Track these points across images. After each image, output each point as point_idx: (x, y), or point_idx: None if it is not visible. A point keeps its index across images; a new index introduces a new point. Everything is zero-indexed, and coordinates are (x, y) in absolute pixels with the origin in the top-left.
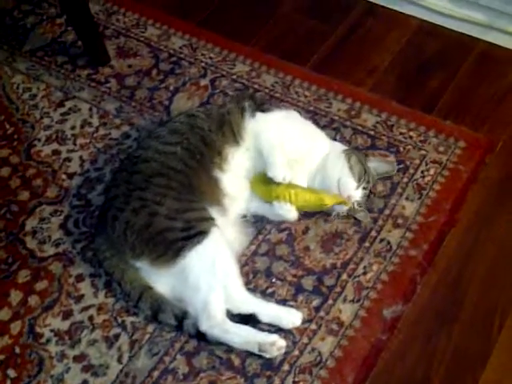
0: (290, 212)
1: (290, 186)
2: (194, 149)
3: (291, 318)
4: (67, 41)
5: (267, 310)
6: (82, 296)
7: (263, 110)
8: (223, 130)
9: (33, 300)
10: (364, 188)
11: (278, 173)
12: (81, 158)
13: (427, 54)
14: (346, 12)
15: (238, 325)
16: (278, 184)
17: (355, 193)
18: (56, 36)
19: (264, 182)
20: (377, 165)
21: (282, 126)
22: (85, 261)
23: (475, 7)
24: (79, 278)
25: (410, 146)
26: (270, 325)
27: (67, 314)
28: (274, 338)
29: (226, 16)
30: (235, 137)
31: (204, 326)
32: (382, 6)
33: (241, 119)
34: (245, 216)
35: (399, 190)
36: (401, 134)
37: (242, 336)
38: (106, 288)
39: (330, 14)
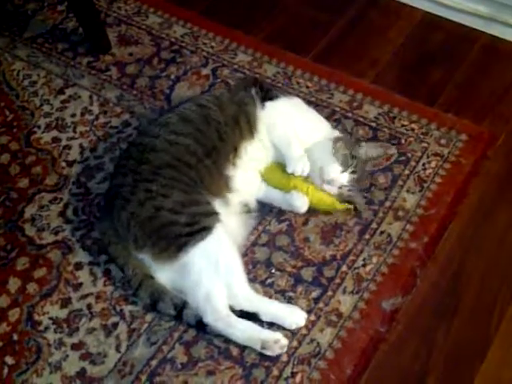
0: (304, 205)
1: (307, 180)
2: (208, 144)
3: (294, 318)
4: (68, 28)
5: (270, 309)
6: (81, 284)
7: (271, 98)
8: (240, 123)
9: (31, 287)
10: (352, 172)
11: (298, 167)
12: (81, 145)
13: (430, 46)
14: (348, 3)
15: (242, 320)
16: (296, 176)
17: (339, 176)
18: (57, 23)
19: (279, 172)
20: (368, 150)
21: (293, 115)
22: (84, 249)
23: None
24: (78, 266)
25: (411, 139)
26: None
27: (66, 302)
28: (278, 336)
29: (228, 5)
30: (251, 129)
31: (208, 319)
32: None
33: (254, 109)
34: (247, 205)
35: (400, 182)
36: (403, 126)
37: (245, 332)
38: (105, 276)
39: (333, 4)
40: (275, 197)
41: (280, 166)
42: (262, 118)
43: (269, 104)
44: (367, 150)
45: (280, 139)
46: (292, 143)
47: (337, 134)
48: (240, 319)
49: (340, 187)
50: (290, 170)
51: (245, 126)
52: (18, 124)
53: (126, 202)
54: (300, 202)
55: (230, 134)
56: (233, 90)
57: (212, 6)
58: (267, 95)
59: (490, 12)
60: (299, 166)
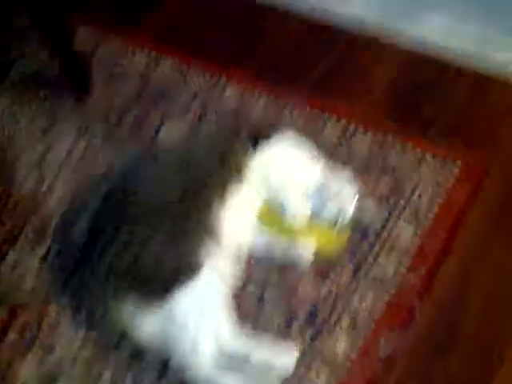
0: (310, 254)
1: (309, 225)
2: (194, 186)
3: (284, 361)
4: (52, 69)
5: (259, 353)
6: (63, 333)
7: (263, 141)
8: (225, 166)
9: (10, 338)
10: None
11: (298, 212)
12: (64, 188)
13: (418, 82)
14: (332, 42)
15: (228, 372)
16: (296, 222)
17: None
18: (40, 67)
19: (276, 216)
20: (367, 206)
21: (288, 157)
22: (65, 296)
23: (467, 35)
24: (59, 314)
25: (405, 170)
26: None
27: (50, 350)
28: None
29: (215, 43)
30: (240, 173)
31: (191, 369)
32: (369, 37)
33: (243, 155)
34: (239, 248)
35: (396, 213)
36: (396, 157)
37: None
38: (87, 325)
39: (317, 44)
40: (278, 248)
41: (276, 209)
42: (253, 162)
43: (261, 148)
44: (366, 206)
45: (275, 184)
46: (290, 188)
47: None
48: (225, 372)
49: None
50: (289, 216)
51: (233, 169)
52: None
53: (106, 248)
54: (306, 254)
55: (216, 176)
56: (221, 132)
57: (199, 43)
58: (259, 137)
59: (478, 48)
60: (300, 211)
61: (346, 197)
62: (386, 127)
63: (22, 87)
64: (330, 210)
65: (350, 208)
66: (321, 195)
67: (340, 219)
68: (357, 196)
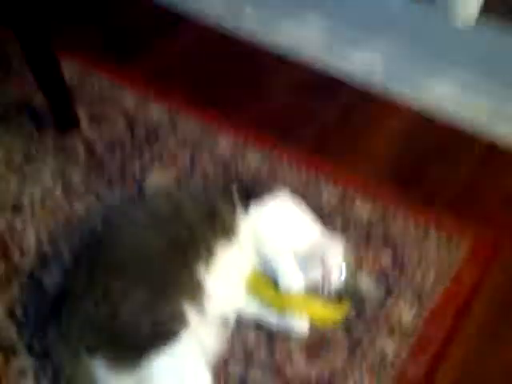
0: (305, 327)
1: (304, 297)
2: (177, 241)
3: None
4: (34, 102)
5: None
6: None
7: (255, 201)
8: (213, 224)
9: None
10: (344, 278)
11: (292, 283)
12: (37, 231)
13: (426, 145)
14: (337, 95)
15: None
16: (289, 293)
17: (336, 272)
18: (22, 95)
19: (268, 286)
20: (364, 280)
21: (282, 221)
22: (30, 353)
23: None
24: (22, 374)
25: (408, 243)
26: None
27: None
28: None
29: (210, 85)
30: (227, 233)
31: None
32: (376, 94)
33: (233, 215)
34: (225, 317)
35: (395, 291)
36: (398, 227)
37: None
38: None
39: (318, 96)
40: (270, 320)
41: (268, 277)
42: (244, 225)
43: (253, 210)
44: (364, 281)
45: (268, 251)
46: (284, 256)
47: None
48: None
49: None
50: (282, 286)
51: (220, 229)
52: None
53: (79, 301)
54: (301, 327)
55: (203, 235)
56: (210, 187)
57: (194, 86)
58: (251, 197)
59: (490, 118)
60: (294, 281)
61: (334, 267)
62: (387, 195)
63: (1, 115)
64: (314, 278)
65: (336, 279)
66: (308, 262)
67: (323, 290)
68: (345, 268)
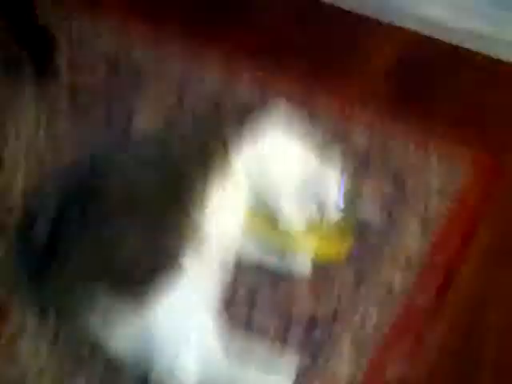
0: (307, 266)
1: (304, 234)
2: (168, 185)
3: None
4: (11, 51)
5: (249, 377)
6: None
7: (248, 135)
8: (206, 164)
9: None
10: (343, 214)
11: (292, 220)
12: (22, 186)
13: (422, 66)
14: (327, 23)
15: None
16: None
17: (332, 206)
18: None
19: (268, 224)
20: (365, 209)
21: (276, 155)
22: (26, 311)
23: (474, 16)
24: (17, 333)
25: (409, 169)
26: None
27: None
28: None
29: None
30: (220, 171)
31: None
32: (370, 17)
33: (225, 154)
34: (223, 258)
35: (399, 224)
36: (398, 154)
37: None
38: (51, 346)
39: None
40: (270, 260)
41: (266, 216)
42: (238, 163)
43: (246, 145)
44: (365, 209)
45: (264, 187)
46: (281, 192)
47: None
48: None
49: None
50: (282, 223)
51: (212, 168)
52: None
53: (69, 254)
54: (303, 266)
55: (195, 175)
56: (199, 125)
57: (175, 17)
58: (243, 133)
59: (488, 30)
60: (294, 218)
61: (331, 196)
62: (386, 120)
63: None
64: (312, 212)
65: (334, 209)
66: (304, 194)
67: (321, 219)
68: (343, 196)
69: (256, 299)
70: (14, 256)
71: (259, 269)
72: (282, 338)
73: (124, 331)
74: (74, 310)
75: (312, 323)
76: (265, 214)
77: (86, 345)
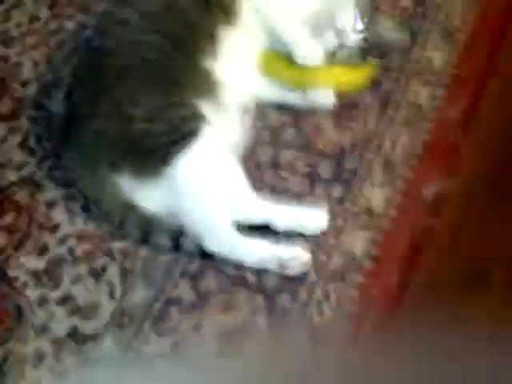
0: (330, 99)
1: (324, 67)
2: (174, 35)
3: (316, 221)
4: None
5: (284, 216)
6: (58, 225)
7: None
8: (211, 8)
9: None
10: (362, 37)
11: (310, 56)
12: (33, 60)
13: None
14: None
15: (250, 239)
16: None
17: (349, 32)
18: None
19: (283, 64)
20: (383, 27)
21: None
22: (55, 183)
23: None
24: (51, 205)
25: None
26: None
27: (42, 250)
28: (297, 251)
29: None
30: (228, 16)
31: (209, 245)
32: None
33: None
34: (243, 105)
35: (421, 38)
36: None
37: (257, 252)
38: (85, 212)
39: None
40: (292, 99)
41: (281, 56)
42: (247, 3)
43: None
44: (383, 28)
45: (279, 27)
46: (296, 28)
47: None
48: (247, 238)
49: (339, 46)
50: (300, 60)
51: (219, 12)
52: None
53: (88, 118)
54: (327, 99)
55: (201, 21)
56: None
57: None
58: None
59: None
60: (310, 54)
61: (347, 18)
62: None
63: None
64: (330, 40)
65: (353, 33)
66: (319, 23)
67: (339, 54)
68: (360, 16)
69: (281, 139)
70: (36, 131)
71: (281, 108)
72: (311, 174)
73: (151, 193)
74: (101, 173)
75: (341, 153)
76: (280, 53)
77: (116, 212)
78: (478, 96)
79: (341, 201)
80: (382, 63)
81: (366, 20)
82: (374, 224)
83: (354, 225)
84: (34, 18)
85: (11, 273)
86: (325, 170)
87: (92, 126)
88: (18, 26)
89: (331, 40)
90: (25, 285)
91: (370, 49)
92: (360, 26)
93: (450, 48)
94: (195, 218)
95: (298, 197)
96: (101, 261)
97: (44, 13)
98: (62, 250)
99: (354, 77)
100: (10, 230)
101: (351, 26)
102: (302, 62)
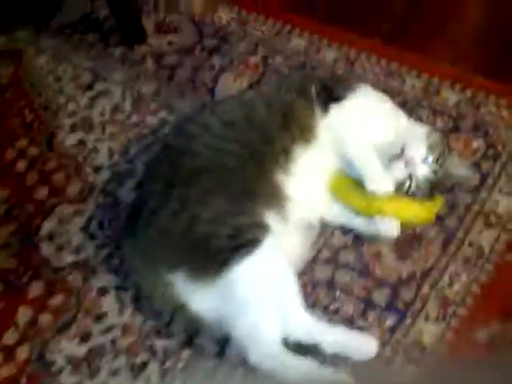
0: (396, 231)
1: (392, 197)
2: (252, 147)
3: (364, 347)
4: (100, 16)
5: (334, 339)
6: (105, 314)
7: (336, 99)
8: (289, 126)
9: (44, 319)
10: (432, 170)
11: (380, 186)
12: (110, 148)
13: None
14: None
15: (297, 357)
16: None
17: (419, 163)
18: (88, 11)
19: (353, 188)
20: (454, 164)
21: (366, 118)
22: (109, 271)
23: None
24: (102, 292)
25: (501, 128)
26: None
27: (85, 337)
28: (343, 377)
29: None
30: (305, 135)
31: (253, 356)
32: None
33: (311, 115)
34: (308, 221)
35: (490, 181)
36: (490, 113)
37: (302, 371)
38: (134, 304)
39: None
40: (356, 224)
41: (351, 179)
42: (324, 125)
43: (334, 108)
44: (454, 164)
45: (353, 152)
46: (369, 158)
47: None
48: (294, 355)
49: (409, 177)
50: (370, 189)
51: (296, 130)
52: (38, 126)
53: (155, 213)
54: (391, 229)
55: (279, 136)
56: (284, 86)
57: None
58: (331, 95)
59: None
60: (382, 185)
61: (417, 157)
62: (475, 81)
63: (67, 32)
64: (400, 175)
65: (424, 173)
66: (393, 150)
67: (409, 185)
68: (432, 157)
69: (340, 259)
70: (101, 217)
71: (344, 229)
72: (366, 299)
73: (204, 296)
74: (156, 274)
75: (398, 283)
76: (351, 176)
77: (166, 309)
78: None
79: (393, 330)
80: (448, 200)
81: (436, 154)
82: (424, 359)
83: (404, 357)
84: (118, 109)
85: (49, 356)
86: (380, 296)
87: (158, 222)
88: (102, 114)
89: (401, 171)
90: (61, 370)
91: (439, 184)
92: (430, 159)
93: None
94: (243, 327)
95: (350, 320)
96: (142, 356)
97: (128, 105)
98: (104, 340)
99: (421, 211)
100: (56, 311)
101: (421, 159)
102: (372, 191)
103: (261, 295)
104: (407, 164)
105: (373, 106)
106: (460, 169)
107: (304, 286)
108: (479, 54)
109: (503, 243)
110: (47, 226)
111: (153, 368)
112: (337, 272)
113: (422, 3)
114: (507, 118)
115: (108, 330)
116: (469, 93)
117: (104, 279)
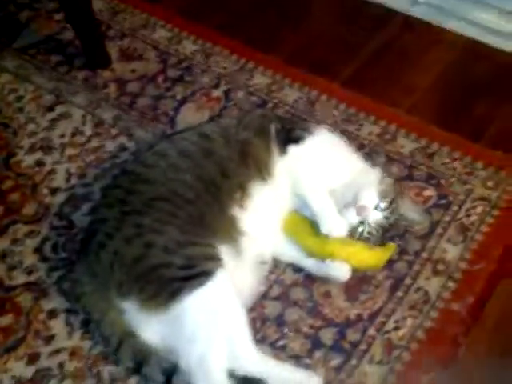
0: (347, 275)
1: (345, 241)
2: (208, 179)
3: None
4: (64, 39)
5: (279, 375)
6: (53, 336)
7: (295, 140)
8: (247, 162)
9: None
10: (384, 216)
11: (334, 230)
12: (67, 171)
13: (474, 75)
14: (382, 24)
15: None
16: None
17: (371, 208)
18: (52, 33)
19: (307, 229)
20: (408, 208)
21: (322, 162)
22: (60, 293)
23: None
24: (52, 315)
25: (453, 179)
26: None
27: (33, 358)
28: None
29: (246, 20)
30: (262, 173)
31: None
32: (422, 20)
33: (268, 154)
34: (260, 256)
35: (440, 230)
36: (443, 164)
37: None
38: (83, 328)
39: (365, 24)
40: (308, 264)
41: (307, 220)
42: (282, 166)
43: (291, 149)
44: (407, 208)
45: (309, 195)
46: (324, 200)
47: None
48: None
49: (361, 223)
50: (324, 231)
51: (253, 167)
52: None
53: (108, 238)
54: (342, 273)
55: (235, 172)
56: (243, 123)
57: (228, 20)
58: (290, 136)
59: None
60: (336, 227)
61: (369, 202)
62: (431, 131)
63: (30, 53)
64: (352, 219)
65: (376, 219)
66: (347, 194)
67: (362, 231)
68: (389, 205)
69: (290, 297)
70: (55, 240)
71: (296, 267)
72: (313, 337)
73: (153, 325)
74: (106, 300)
75: (346, 323)
76: (305, 219)
77: (115, 336)
78: (486, 295)
79: (337, 370)
80: (399, 245)
81: (388, 200)
82: None
83: None
84: (78, 132)
85: None
86: (327, 336)
87: (111, 247)
88: (62, 136)
89: (354, 217)
90: None
91: (390, 229)
92: (382, 205)
93: (464, 247)
94: (191, 356)
95: (296, 357)
96: (88, 382)
97: (89, 129)
98: (52, 363)
99: (372, 258)
100: (5, 331)
101: (373, 205)
102: (326, 233)
103: (209, 327)
104: (360, 210)
105: (330, 150)
106: (413, 212)
107: (253, 321)
108: (436, 103)
109: (449, 291)
110: (0, 245)
111: None
112: (286, 309)
113: (383, 51)
114: (459, 170)
115: (56, 352)
116: (423, 142)
117: (55, 301)
